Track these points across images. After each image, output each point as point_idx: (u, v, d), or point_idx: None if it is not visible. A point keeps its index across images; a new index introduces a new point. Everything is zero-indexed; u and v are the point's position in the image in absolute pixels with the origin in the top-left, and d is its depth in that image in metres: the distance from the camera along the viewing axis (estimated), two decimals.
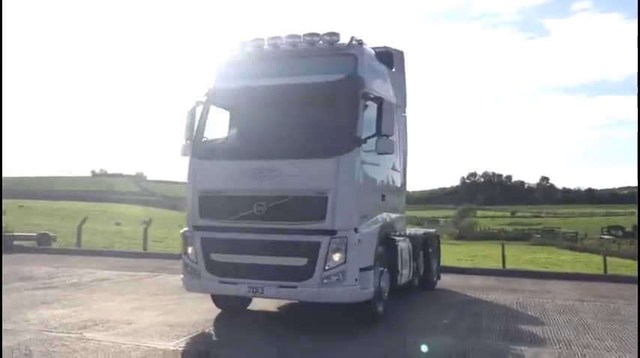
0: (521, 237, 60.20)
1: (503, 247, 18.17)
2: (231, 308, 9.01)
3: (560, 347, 7.33)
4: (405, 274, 9.69)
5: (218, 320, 8.53)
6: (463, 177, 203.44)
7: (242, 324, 8.37)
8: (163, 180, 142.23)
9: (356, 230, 7.61)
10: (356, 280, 7.54)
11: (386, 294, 8.52)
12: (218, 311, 8.97)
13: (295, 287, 7.58)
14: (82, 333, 7.43)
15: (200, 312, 8.85)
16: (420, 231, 11.46)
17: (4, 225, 20.54)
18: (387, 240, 8.89)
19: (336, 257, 7.46)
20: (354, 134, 7.64)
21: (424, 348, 6.52)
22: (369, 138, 7.79)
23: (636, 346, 7.31)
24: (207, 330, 7.89)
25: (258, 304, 9.33)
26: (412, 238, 10.46)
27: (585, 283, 13.73)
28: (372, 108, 7.95)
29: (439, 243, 12.74)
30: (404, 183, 10.22)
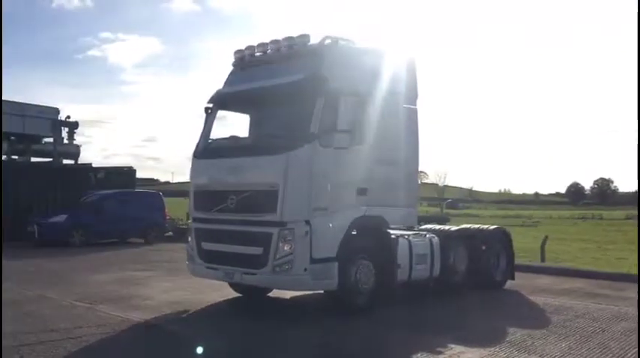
0: None
1: None
2: (249, 294, 9.89)
3: (502, 350, 6.77)
4: (420, 270, 9.57)
5: (218, 303, 9.57)
6: None
7: (232, 308, 9.35)
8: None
9: (307, 222, 7.96)
10: (305, 270, 7.89)
11: (365, 287, 8.59)
12: (237, 295, 9.95)
13: (255, 273, 8.25)
14: (95, 305, 9.05)
15: (218, 295, 9.89)
16: (453, 227, 10.92)
17: (179, 216, 24.30)
18: (377, 233, 8.96)
19: (285, 247, 7.94)
20: (304, 131, 8.00)
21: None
22: (325, 133, 8.06)
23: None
24: (190, 310, 8.95)
25: (279, 292, 9.97)
26: (441, 234, 10.20)
27: None
28: (342, 104, 8.23)
29: (509, 241, 11.87)
30: (411, 178, 9.86)
